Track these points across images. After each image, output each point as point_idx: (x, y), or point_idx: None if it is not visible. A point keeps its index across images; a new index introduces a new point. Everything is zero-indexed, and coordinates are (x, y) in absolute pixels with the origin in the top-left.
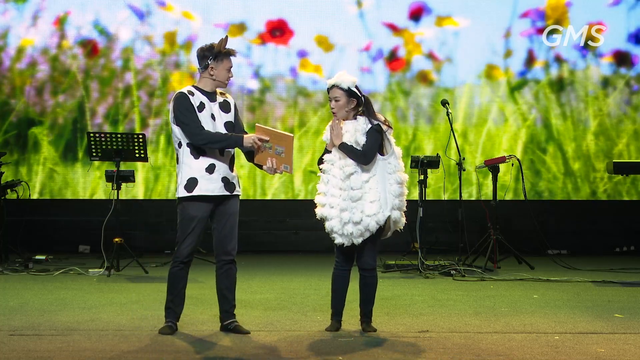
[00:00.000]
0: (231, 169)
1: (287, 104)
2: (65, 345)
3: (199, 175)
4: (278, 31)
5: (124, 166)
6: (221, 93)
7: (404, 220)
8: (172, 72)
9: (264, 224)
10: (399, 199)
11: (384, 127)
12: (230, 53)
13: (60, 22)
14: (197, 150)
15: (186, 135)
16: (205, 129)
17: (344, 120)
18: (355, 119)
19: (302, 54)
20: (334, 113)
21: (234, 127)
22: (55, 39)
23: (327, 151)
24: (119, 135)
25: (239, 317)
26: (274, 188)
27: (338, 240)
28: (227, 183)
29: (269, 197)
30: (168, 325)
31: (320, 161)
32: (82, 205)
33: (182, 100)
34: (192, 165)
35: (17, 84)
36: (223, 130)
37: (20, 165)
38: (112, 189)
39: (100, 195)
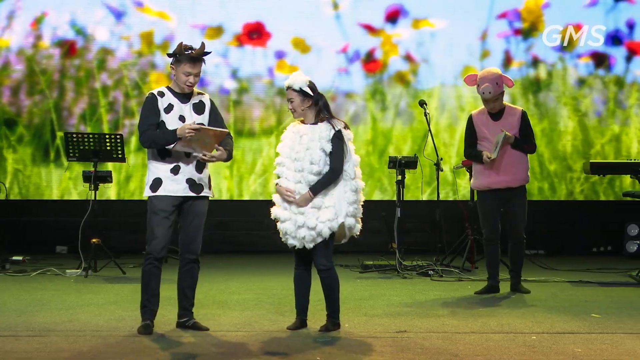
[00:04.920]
0: (199, 171)
1: (265, 105)
2: (43, 346)
3: (164, 176)
4: (255, 33)
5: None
6: (199, 93)
7: (359, 226)
8: (148, 73)
9: (242, 224)
10: (353, 206)
11: (344, 132)
12: (191, 58)
13: (37, 22)
14: (163, 151)
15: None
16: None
17: (301, 119)
18: (316, 124)
19: (279, 56)
20: (292, 112)
21: None
22: (31, 39)
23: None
24: (96, 136)
25: (217, 317)
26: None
27: (291, 242)
28: (193, 184)
29: (246, 198)
30: (146, 324)
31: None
32: (59, 206)
33: (146, 101)
34: (157, 166)
35: None
36: None
37: None
38: (90, 190)
39: (83, 195)
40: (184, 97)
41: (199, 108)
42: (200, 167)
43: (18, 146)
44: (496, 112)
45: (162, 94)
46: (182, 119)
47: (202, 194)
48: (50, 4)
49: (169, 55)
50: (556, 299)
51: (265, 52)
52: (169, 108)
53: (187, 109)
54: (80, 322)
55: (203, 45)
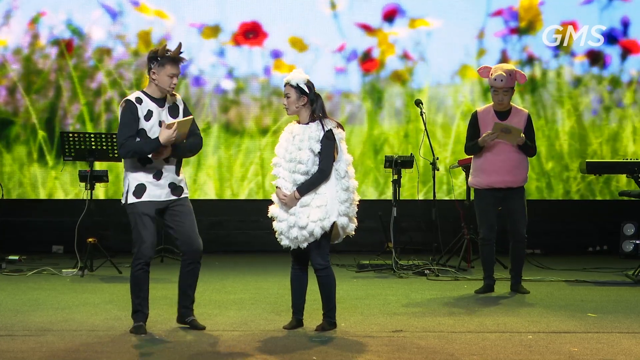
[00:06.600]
0: (177, 174)
1: (261, 104)
2: (39, 345)
3: (146, 181)
4: (252, 33)
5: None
6: (172, 95)
7: (353, 225)
8: (145, 72)
9: (238, 224)
10: (345, 205)
11: (336, 131)
12: (173, 59)
13: (34, 22)
14: (145, 158)
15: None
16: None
17: (297, 119)
18: (308, 124)
19: (276, 55)
20: (285, 109)
21: None
22: (28, 38)
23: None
24: (92, 135)
25: (213, 316)
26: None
27: (284, 242)
28: (175, 188)
29: (242, 197)
30: (139, 325)
31: None
32: (55, 206)
33: (125, 109)
34: (139, 172)
35: None
36: None
37: None
38: (86, 189)
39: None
40: (161, 101)
41: (173, 111)
42: (179, 169)
43: (14, 146)
44: (502, 112)
45: (139, 100)
46: (161, 124)
47: (182, 196)
48: (46, 3)
49: (150, 59)
50: (552, 298)
51: (262, 52)
52: (149, 115)
53: (164, 114)
54: (76, 321)
55: (180, 45)
